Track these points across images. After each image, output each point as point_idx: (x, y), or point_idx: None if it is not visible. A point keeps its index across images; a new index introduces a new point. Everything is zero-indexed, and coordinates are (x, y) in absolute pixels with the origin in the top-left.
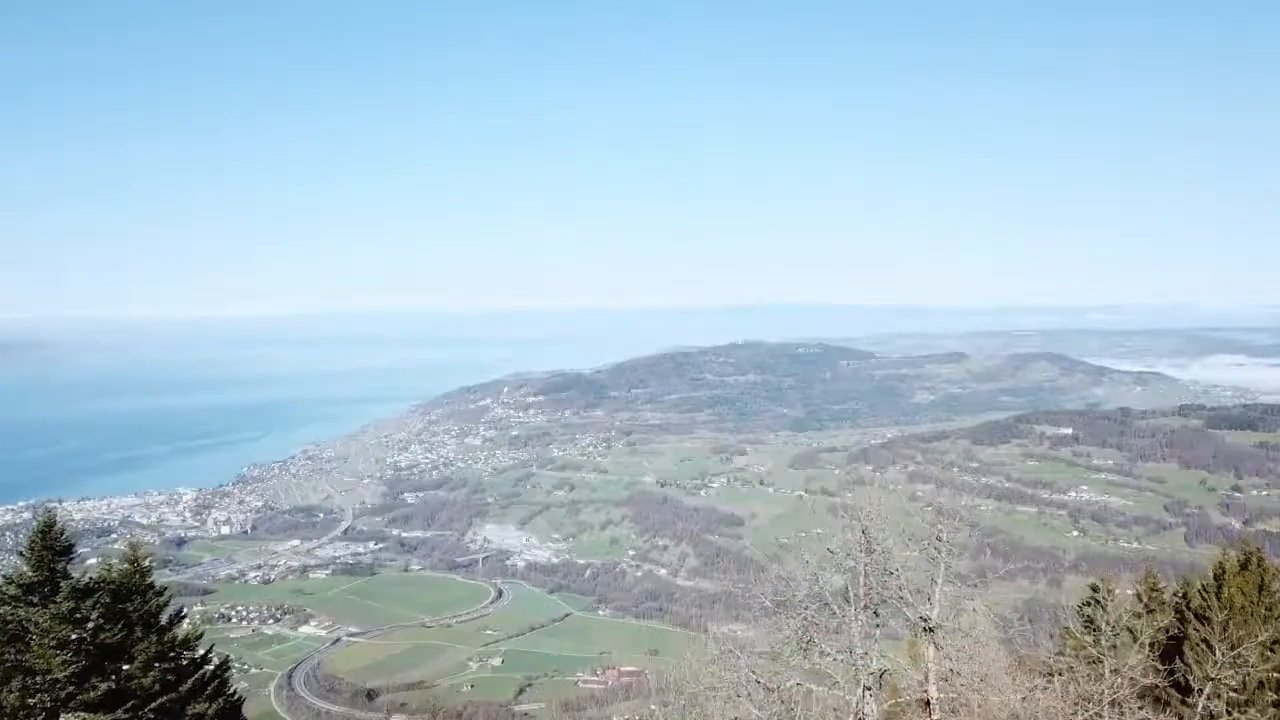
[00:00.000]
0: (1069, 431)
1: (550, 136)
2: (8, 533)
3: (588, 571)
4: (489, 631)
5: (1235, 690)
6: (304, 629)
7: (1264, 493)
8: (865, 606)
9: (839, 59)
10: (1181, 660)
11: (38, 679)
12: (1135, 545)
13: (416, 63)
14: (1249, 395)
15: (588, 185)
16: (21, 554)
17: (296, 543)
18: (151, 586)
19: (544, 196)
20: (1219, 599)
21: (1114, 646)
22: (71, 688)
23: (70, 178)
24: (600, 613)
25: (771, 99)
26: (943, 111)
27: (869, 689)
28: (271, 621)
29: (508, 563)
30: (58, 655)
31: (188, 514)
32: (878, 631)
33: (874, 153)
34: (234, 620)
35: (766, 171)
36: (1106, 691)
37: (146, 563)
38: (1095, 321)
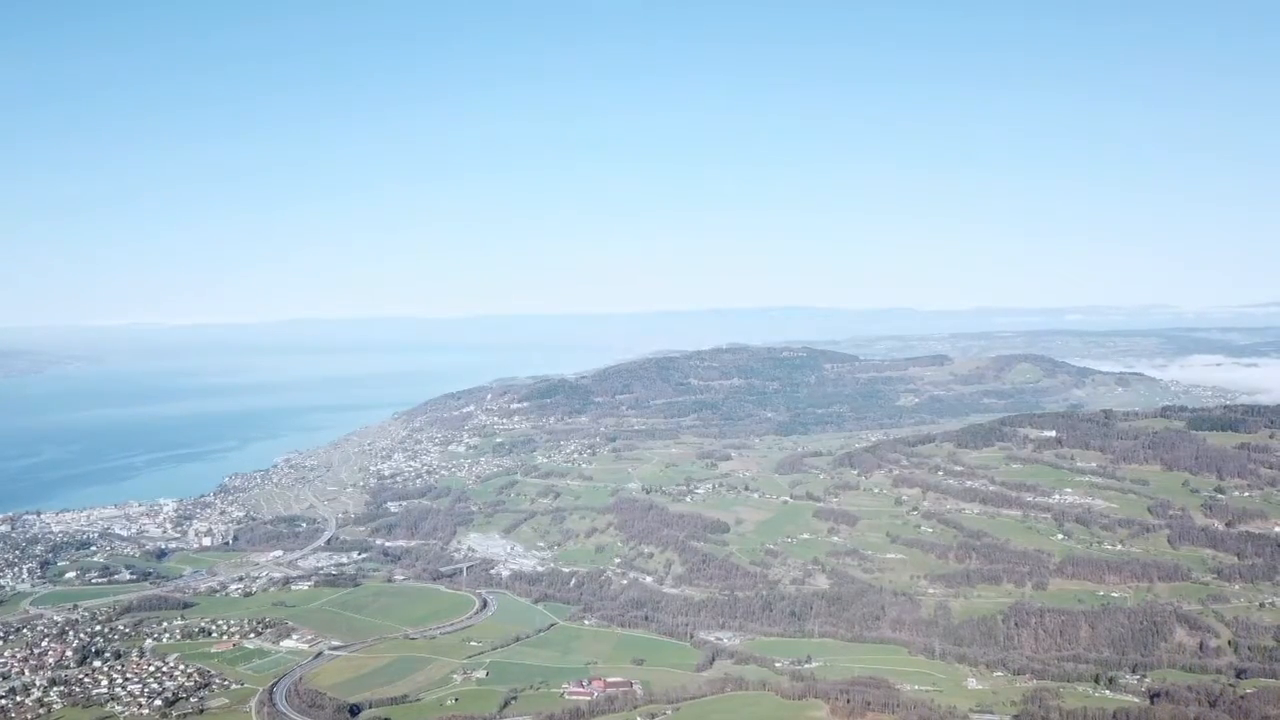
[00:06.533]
0: (1052, 434)
1: (533, 142)
2: None
3: (573, 580)
4: (473, 643)
5: None
6: (286, 643)
7: (1246, 494)
8: None
9: (823, 67)
10: None
11: None
12: (1120, 548)
13: (399, 73)
14: (1229, 395)
15: (571, 190)
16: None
17: (279, 553)
18: None
19: (527, 202)
20: None
21: None
22: None
23: (46, 189)
24: (586, 622)
25: (754, 105)
26: (924, 118)
27: None
28: (253, 635)
29: (492, 572)
30: None
31: (169, 525)
32: None
33: (856, 158)
34: (214, 635)
35: (750, 176)
36: None
37: None
38: (1076, 322)
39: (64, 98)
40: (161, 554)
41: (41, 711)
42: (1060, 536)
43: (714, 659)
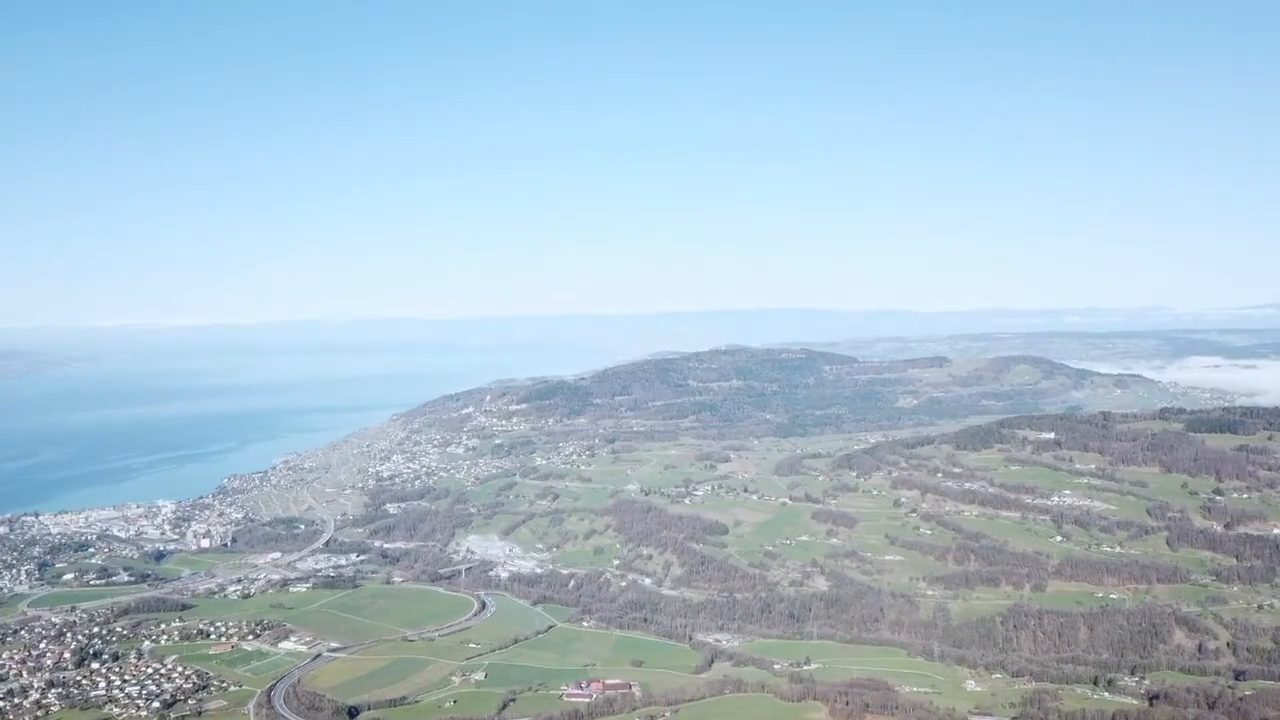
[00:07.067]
0: (1051, 436)
1: (533, 142)
2: None
3: (571, 582)
4: (472, 645)
5: None
6: (284, 644)
7: (1245, 495)
8: None
9: (823, 67)
10: None
11: None
12: (1118, 550)
13: (399, 73)
14: (1227, 397)
15: (570, 191)
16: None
17: (277, 555)
18: None
19: (527, 203)
20: None
21: None
22: None
23: (46, 189)
24: (584, 624)
25: (754, 105)
26: (924, 118)
27: None
28: (251, 637)
29: (491, 574)
30: None
31: (167, 527)
32: None
33: (856, 159)
34: (213, 636)
35: (749, 176)
36: None
37: None
38: (1074, 324)
39: (64, 98)
40: (160, 556)
41: (40, 713)
42: (1059, 538)
43: (713, 661)
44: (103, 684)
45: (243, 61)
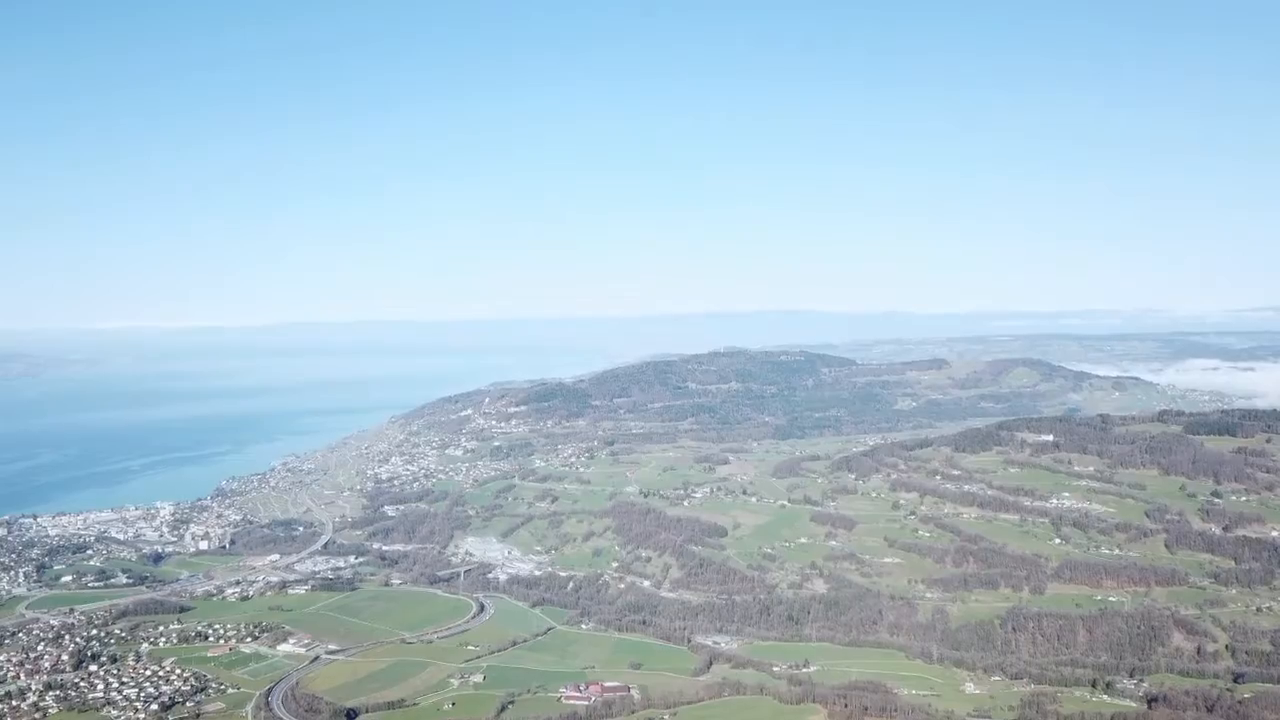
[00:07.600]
0: (1050, 438)
1: (532, 144)
2: None
3: (570, 584)
4: (470, 647)
5: None
6: (282, 647)
7: (1243, 498)
8: None
9: (821, 69)
10: None
11: None
12: (1117, 552)
13: (397, 75)
14: (1225, 400)
15: (569, 193)
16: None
17: (275, 557)
18: None
19: (526, 205)
20: None
21: None
22: None
23: (46, 189)
24: (583, 626)
25: (752, 108)
26: (922, 121)
27: None
28: (249, 639)
29: (489, 576)
30: None
31: (165, 529)
32: None
33: (854, 161)
34: (211, 638)
35: (747, 179)
36: None
37: None
38: (1073, 326)
39: (64, 98)
40: (158, 558)
41: (37, 716)
42: (1057, 540)
43: (711, 663)
44: (101, 686)
45: (244, 62)
